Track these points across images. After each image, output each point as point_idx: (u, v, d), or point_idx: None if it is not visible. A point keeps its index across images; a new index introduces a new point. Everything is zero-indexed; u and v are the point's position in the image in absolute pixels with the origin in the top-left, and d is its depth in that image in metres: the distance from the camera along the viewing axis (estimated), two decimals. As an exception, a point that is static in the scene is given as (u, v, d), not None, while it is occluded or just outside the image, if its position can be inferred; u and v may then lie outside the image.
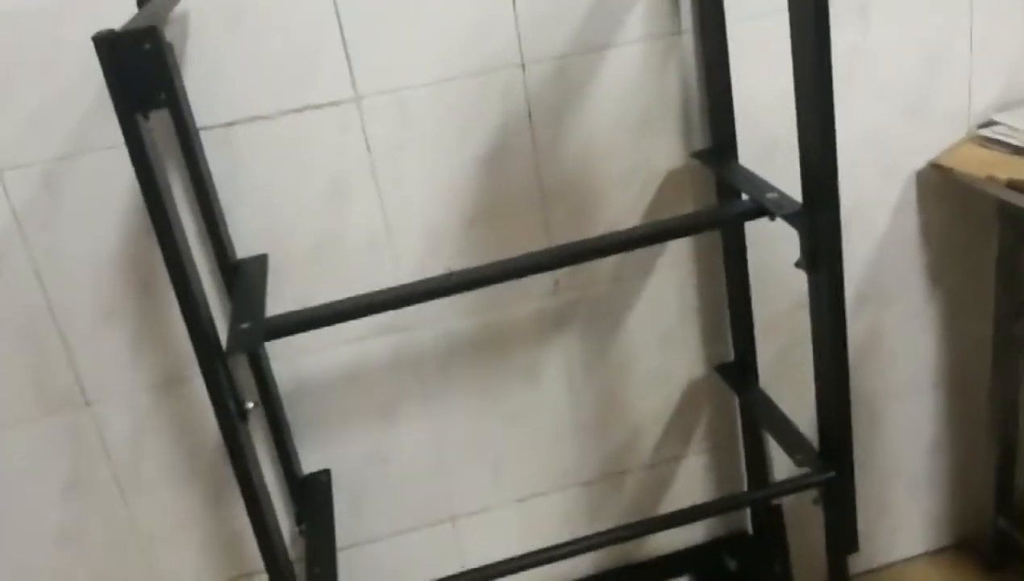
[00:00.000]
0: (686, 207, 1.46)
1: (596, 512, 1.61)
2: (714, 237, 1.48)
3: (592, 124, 1.39)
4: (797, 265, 1.18)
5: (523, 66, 1.35)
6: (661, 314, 1.52)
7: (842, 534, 1.27)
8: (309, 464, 1.48)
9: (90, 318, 1.34)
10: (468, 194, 1.39)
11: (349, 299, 1.18)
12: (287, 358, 1.42)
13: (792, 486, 1.27)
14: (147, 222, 1.29)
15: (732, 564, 1.63)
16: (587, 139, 1.40)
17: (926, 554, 1.83)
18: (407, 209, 1.38)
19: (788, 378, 1.56)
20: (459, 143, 1.36)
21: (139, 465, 1.44)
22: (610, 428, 1.57)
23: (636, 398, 1.56)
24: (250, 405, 1.10)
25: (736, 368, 1.53)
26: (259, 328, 1.12)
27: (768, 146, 1.43)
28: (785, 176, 1.24)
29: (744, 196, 1.27)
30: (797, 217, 1.15)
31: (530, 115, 1.37)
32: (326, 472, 1.47)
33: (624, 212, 1.44)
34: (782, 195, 1.20)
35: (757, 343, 1.51)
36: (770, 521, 1.58)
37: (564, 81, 1.36)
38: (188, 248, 1.03)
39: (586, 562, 1.65)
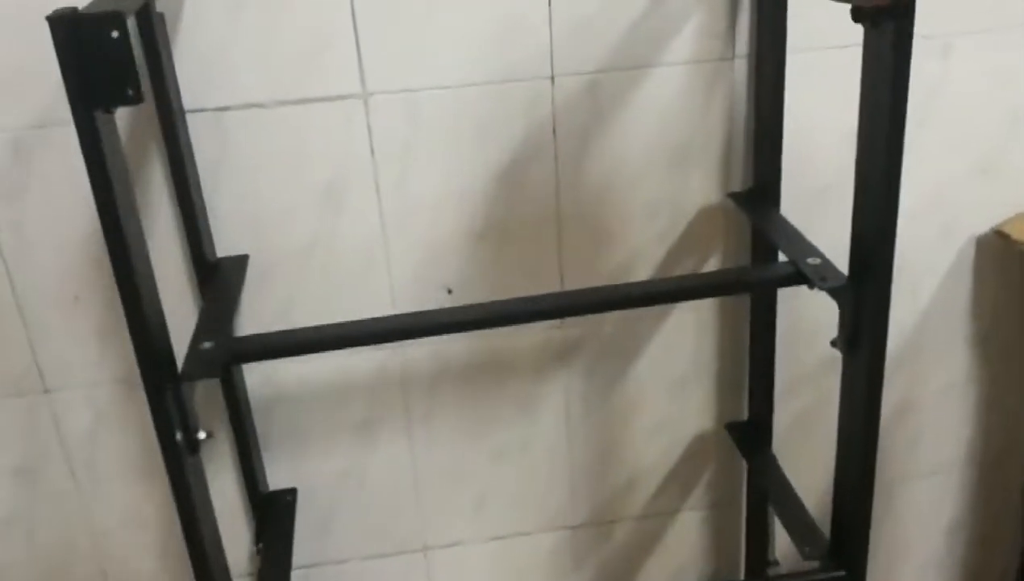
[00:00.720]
0: (715, 251, 1.32)
1: (580, 560, 1.50)
2: (742, 284, 1.34)
3: (622, 147, 1.25)
4: (833, 344, 1.05)
5: (552, 78, 1.21)
6: (674, 360, 1.39)
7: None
8: (277, 479, 1.37)
9: (54, 301, 1.23)
10: (477, 209, 1.26)
11: (330, 327, 1.07)
12: (260, 363, 1.30)
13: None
14: (123, 204, 1.20)
15: (719, 633, 1.52)
16: (615, 163, 1.26)
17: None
18: (408, 218, 1.25)
19: (804, 445, 1.43)
20: (473, 154, 1.23)
21: (96, 458, 1.33)
22: (605, 473, 1.45)
23: (636, 445, 1.44)
24: (202, 435, 0.99)
25: (749, 428, 1.40)
26: (222, 351, 1.00)
27: (815, 194, 1.29)
28: (830, 230, 1.12)
29: (781, 255, 1.14)
30: (840, 292, 1.02)
31: (555, 131, 1.23)
32: (292, 491, 1.36)
33: (646, 247, 1.31)
34: (825, 262, 1.07)
35: (775, 403, 1.38)
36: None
37: (596, 98, 1.22)
38: (144, 256, 0.91)
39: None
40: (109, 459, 1.33)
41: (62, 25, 0.77)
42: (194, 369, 0.97)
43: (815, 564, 1.14)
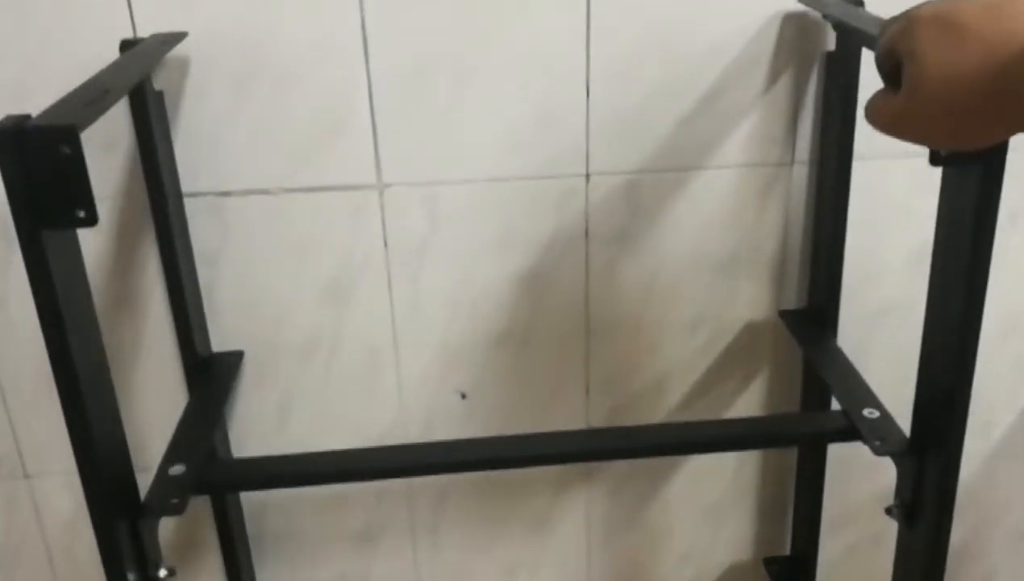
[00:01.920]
0: (760, 373, 1.18)
1: None
2: (790, 407, 1.21)
3: (662, 254, 1.13)
4: (888, 512, 0.91)
5: (587, 176, 1.09)
6: (710, 483, 1.25)
7: None
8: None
9: (36, 383, 1.14)
10: (498, 311, 1.14)
11: (326, 457, 0.96)
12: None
13: None
14: (114, 286, 1.11)
15: None
16: (653, 270, 1.13)
17: None
18: (421, 319, 1.14)
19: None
20: (496, 253, 1.11)
21: (74, 547, 1.24)
22: (628, 601, 1.32)
23: (664, 575, 1.30)
24: (163, 573, 0.88)
25: (790, 565, 1.26)
26: (190, 480, 0.89)
27: (875, 317, 1.15)
28: (890, 358, 0.99)
29: (834, 401, 1.00)
30: (900, 458, 0.88)
31: (587, 233, 1.11)
32: (281, 599, 1.26)
33: (684, 364, 1.18)
34: (884, 416, 0.93)
35: (821, 540, 1.23)
36: None
37: (635, 200, 1.10)
38: (99, 375, 0.80)
39: None
40: (89, 549, 1.23)
41: (6, 137, 0.67)
42: (159, 502, 0.87)
43: None
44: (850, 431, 0.92)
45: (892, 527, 1.25)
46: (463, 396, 1.18)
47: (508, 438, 0.97)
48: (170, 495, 0.87)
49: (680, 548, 1.28)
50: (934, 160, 0.75)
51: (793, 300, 1.15)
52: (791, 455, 1.23)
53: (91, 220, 0.70)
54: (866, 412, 0.93)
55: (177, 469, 0.90)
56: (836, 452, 1.19)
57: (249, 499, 1.22)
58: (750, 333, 1.16)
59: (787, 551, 1.27)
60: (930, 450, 0.85)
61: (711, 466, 1.24)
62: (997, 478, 1.28)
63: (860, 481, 1.24)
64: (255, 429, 1.17)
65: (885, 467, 1.19)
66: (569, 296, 1.14)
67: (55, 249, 0.72)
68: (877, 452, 0.88)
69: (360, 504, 1.23)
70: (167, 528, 1.22)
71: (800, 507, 1.22)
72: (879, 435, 0.89)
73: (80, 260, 0.76)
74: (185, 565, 1.25)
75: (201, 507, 1.19)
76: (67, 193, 0.69)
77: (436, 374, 1.17)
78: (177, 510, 0.86)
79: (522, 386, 1.18)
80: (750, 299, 1.15)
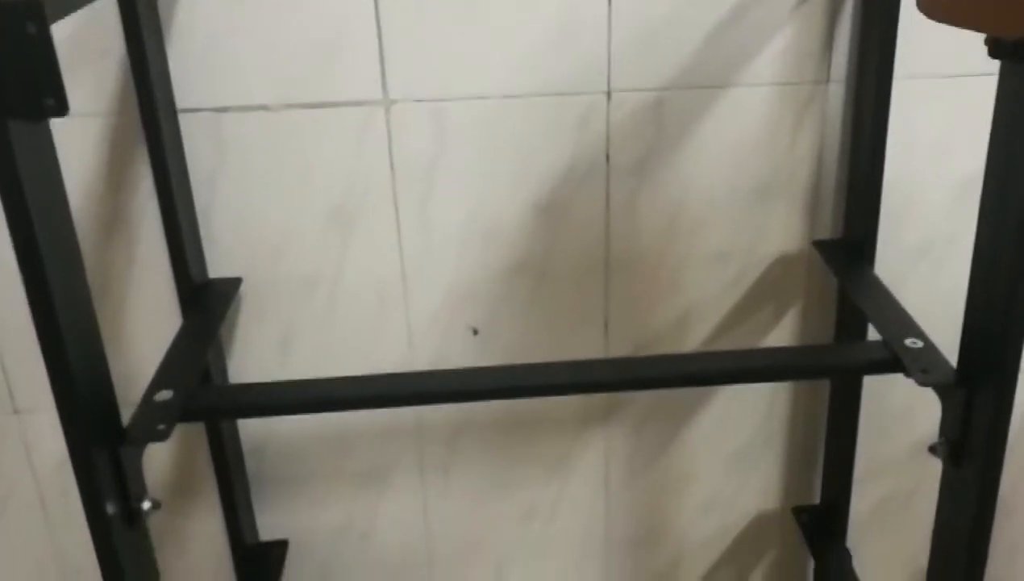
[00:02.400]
0: (792, 308, 1.11)
1: (611, 644, 1.31)
2: (823, 347, 1.13)
3: (688, 181, 1.05)
4: (932, 450, 0.84)
5: (609, 93, 1.01)
6: (737, 427, 1.18)
7: None
8: (269, 528, 1.21)
9: (25, 316, 1.08)
10: (512, 241, 1.07)
11: (327, 384, 0.89)
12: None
13: None
14: (105, 208, 1.05)
15: None
16: (679, 199, 1.06)
17: None
18: (431, 248, 1.07)
19: (884, 541, 1.22)
20: (510, 177, 1.04)
21: (68, 490, 1.19)
22: (647, 549, 1.25)
23: (686, 521, 1.24)
24: (147, 505, 0.82)
25: (820, 515, 1.19)
26: (182, 406, 0.83)
27: (918, 252, 1.07)
28: (931, 294, 0.91)
29: (872, 330, 0.93)
30: (947, 391, 0.81)
31: (608, 156, 1.04)
32: (283, 544, 1.20)
33: (710, 299, 1.10)
34: (928, 346, 0.85)
35: (854, 488, 1.16)
36: None
37: (660, 120, 1.03)
38: (77, 286, 0.74)
39: None
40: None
41: (-35, 13, 0.61)
42: (143, 429, 0.81)
43: None
44: (891, 362, 0.84)
45: (928, 477, 1.19)
46: (475, 332, 1.12)
47: (524, 366, 0.90)
48: (155, 422, 0.81)
49: (704, 495, 1.22)
50: (994, 50, 0.67)
51: (828, 231, 1.08)
52: (822, 398, 1.16)
53: (61, 109, 0.64)
54: (908, 342, 0.85)
55: (164, 395, 0.84)
56: (870, 394, 1.12)
57: (249, 439, 1.16)
58: (782, 266, 1.09)
59: (816, 500, 1.20)
60: (980, 381, 0.78)
61: (738, 408, 1.17)
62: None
63: (895, 427, 1.17)
64: (254, 364, 1.11)
65: (922, 410, 1.13)
66: (588, 225, 1.07)
67: (23, 143, 0.65)
68: (921, 383, 0.80)
69: (366, 443, 1.18)
70: (163, 470, 1.17)
71: (831, 454, 1.15)
72: (923, 365, 0.82)
73: (53, 157, 0.70)
74: (182, 508, 1.20)
75: (198, 446, 1.14)
76: (34, 79, 0.63)
77: (447, 309, 1.10)
78: (161, 436, 0.80)
79: (537, 322, 1.11)
80: (782, 229, 1.07)
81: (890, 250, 1.05)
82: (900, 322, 0.89)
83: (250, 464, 1.17)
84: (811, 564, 1.24)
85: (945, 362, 0.82)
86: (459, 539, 1.24)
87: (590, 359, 0.92)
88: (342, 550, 1.23)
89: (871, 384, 1.11)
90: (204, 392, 0.91)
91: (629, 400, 1.17)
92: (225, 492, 1.14)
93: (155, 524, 1.19)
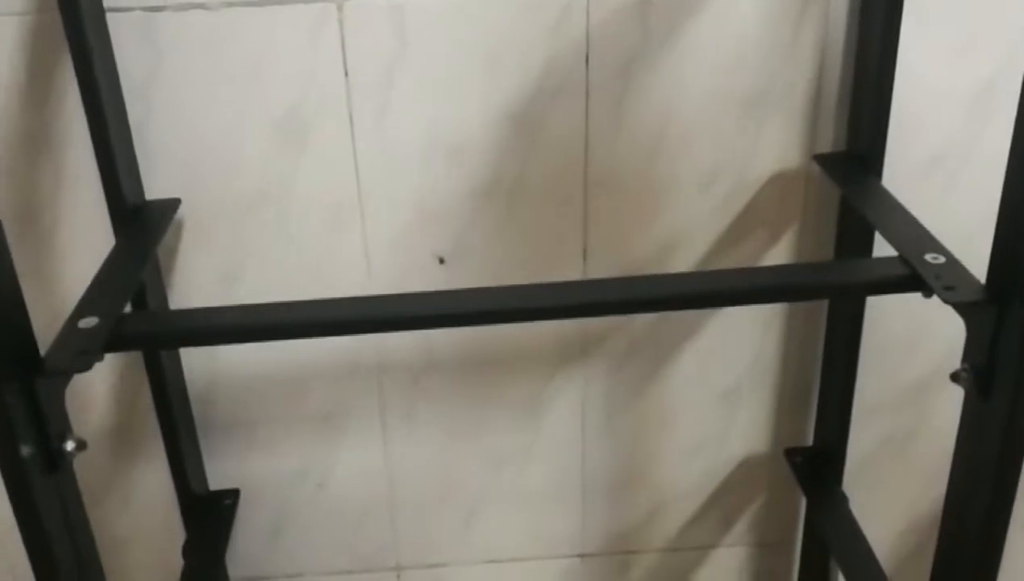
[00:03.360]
0: (790, 230, 1.02)
1: (589, 596, 1.23)
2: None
3: (675, 90, 0.95)
4: (955, 378, 0.75)
5: (589, -11, 0.90)
6: (724, 363, 1.09)
7: None
8: (219, 478, 1.11)
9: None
10: (481, 158, 0.97)
11: (273, 309, 0.79)
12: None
13: None
14: (28, 122, 0.93)
15: None
16: (664, 111, 0.96)
17: None
18: (390, 164, 0.96)
19: (882, 483, 1.14)
20: (477, 84, 0.93)
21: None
22: (626, 495, 1.17)
23: (669, 464, 1.15)
24: (70, 446, 0.72)
25: (813, 457, 1.11)
26: (103, 333, 0.72)
27: (929, 165, 0.98)
28: (949, 221, 0.82)
29: (881, 242, 0.84)
30: (973, 310, 0.72)
31: (587, 62, 0.93)
32: (233, 493, 1.10)
33: (699, 220, 1.01)
34: (951, 261, 0.76)
35: (851, 428, 1.08)
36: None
37: (644, 23, 0.92)
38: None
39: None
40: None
41: None
42: (62, 359, 0.70)
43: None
44: (910, 279, 0.75)
45: (930, 416, 1.12)
46: (441, 261, 1.02)
47: (497, 289, 0.80)
48: (78, 351, 0.70)
49: (689, 437, 1.13)
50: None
51: (830, 144, 0.98)
52: (817, 331, 1.07)
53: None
54: (929, 257, 0.76)
55: (89, 322, 0.73)
56: (869, 325, 1.03)
57: (195, 382, 1.06)
58: (778, 183, 0.99)
59: (810, 441, 1.12)
60: (1012, 300, 0.69)
61: (726, 343, 1.08)
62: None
63: (902, 361, 1.09)
64: (196, 294, 1.00)
65: (928, 342, 1.04)
66: (566, 139, 0.96)
67: None
68: (946, 300, 0.71)
69: (322, 386, 1.08)
70: (102, 415, 1.07)
71: (827, 391, 1.07)
72: (947, 282, 0.73)
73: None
74: (124, 458, 1.09)
75: (140, 390, 1.04)
76: None
77: (409, 234, 1.00)
78: (84, 365, 0.69)
79: (508, 249, 1.01)
80: (778, 143, 0.98)
81: (899, 163, 0.96)
82: (917, 236, 0.79)
83: (197, 409, 1.07)
84: (802, 512, 1.16)
85: (972, 278, 0.73)
86: (424, 488, 1.14)
87: (569, 281, 0.81)
88: (298, 500, 1.14)
89: (870, 314, 1.03)
90: (134, 318, 0.80)
91: (608, 335, 1.07)
92: (169, 438, 1.04)
93: (95, 475, 1.09)
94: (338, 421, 1.10)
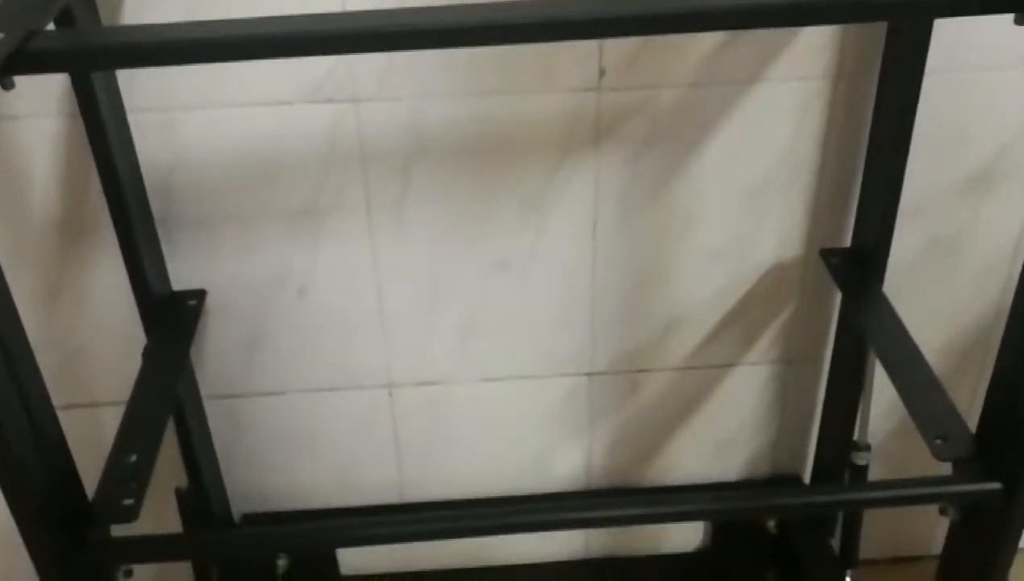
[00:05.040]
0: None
1: (595, 416, 1.13)
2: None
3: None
4: None
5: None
6: (755, 154, 0.96)
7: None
8: (184, 281, 0.99)
9: None
10: None
11: (225, 23, 0.63)
12: (158, 114, 0.90)
13: (915, 492, 0.76)
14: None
15: (772, 523, 1.16)
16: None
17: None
18: None
19: (932, 287, 1.03)
20: None
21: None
22: (640, 306, 1.05)
23: (689, 272, 1.03)
24: None
25: (851, 257, 0.99)
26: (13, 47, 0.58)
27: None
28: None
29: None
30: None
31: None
32: (199, 293, 0.98)
33: None
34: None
35: (897, 228, 0.96)
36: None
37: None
38: None
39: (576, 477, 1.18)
40: None
41: None
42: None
43: (950, 466, 0.75)
44: None
45: (977, 219, 1.00)
46: None
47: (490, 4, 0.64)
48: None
49: (713, 239, 1.01)
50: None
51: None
52: (867, 110, 0.93)
53: None
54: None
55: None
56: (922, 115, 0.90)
57: (153, 171, 0.93)
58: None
59: (847, 242, 1.00)
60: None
61: (756, 135, 0.95)
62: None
63: (952, 158, 0.96)
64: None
65: (978, 136, 0.92)
66: None
67: None
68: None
69: (299, 176, 0.95)
70: (50, 210, 0.94)
71: (871, 179, 0.94)
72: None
73: None
74: (77, 257, 0.97)
75: (90, 179, 0.90)
76: None
77: None
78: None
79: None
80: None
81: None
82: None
83: (158, 201, 0.94)
84: (832, 326, 1.05)
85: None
86: (416, 294, 1.03)
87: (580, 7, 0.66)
88: (276, 309, 1.02)
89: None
90: (52, 35, 0.65)
91: (624, 121, 0.94)
92: (123, 230, 0.91)
93: (47, 277, 0.98)
94: (318, 218, 0.97)
